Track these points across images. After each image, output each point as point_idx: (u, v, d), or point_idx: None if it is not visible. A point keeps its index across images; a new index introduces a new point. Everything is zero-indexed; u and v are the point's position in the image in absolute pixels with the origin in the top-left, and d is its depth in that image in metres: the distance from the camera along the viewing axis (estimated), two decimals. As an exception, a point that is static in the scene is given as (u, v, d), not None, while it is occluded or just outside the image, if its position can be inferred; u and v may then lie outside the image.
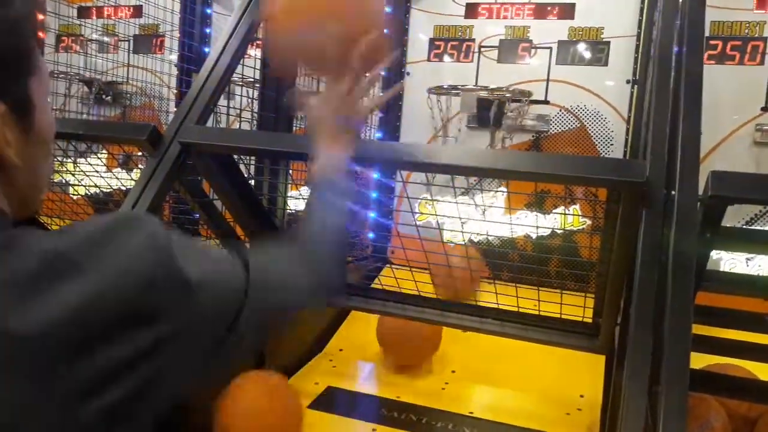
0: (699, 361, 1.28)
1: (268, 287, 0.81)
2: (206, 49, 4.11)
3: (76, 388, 0.54)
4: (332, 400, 2.42)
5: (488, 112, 3.58)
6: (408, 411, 2.38)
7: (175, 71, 4.31)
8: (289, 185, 2.64)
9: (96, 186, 3.49)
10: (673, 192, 1.47)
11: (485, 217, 2.59)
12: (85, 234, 0.60)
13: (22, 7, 0.64)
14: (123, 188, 3.60)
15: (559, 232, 3.62)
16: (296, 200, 3.45)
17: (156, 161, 1.94)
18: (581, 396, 2.59)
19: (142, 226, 0.62)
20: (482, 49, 3.86)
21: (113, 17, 4.67)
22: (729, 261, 3.29)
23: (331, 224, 1.07)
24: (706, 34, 2.85)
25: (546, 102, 3.68)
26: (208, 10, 4.22)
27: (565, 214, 3.62)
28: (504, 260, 3.47)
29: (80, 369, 0.54)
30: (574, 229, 3.63)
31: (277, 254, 0.92)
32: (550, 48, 3.74)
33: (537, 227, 3.54)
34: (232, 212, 2.23)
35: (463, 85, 3.60)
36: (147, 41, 4.61)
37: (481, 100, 3.56)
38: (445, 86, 3.65)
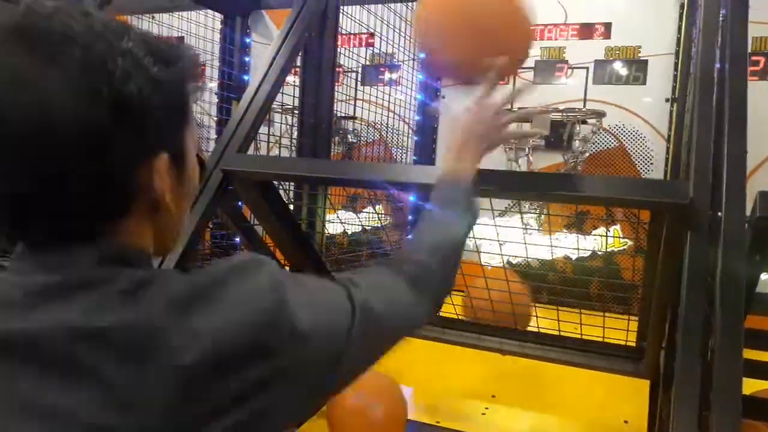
0: (747, 386, 1.23)
1: (381, 324, 0.83)
2: (245, 77, 4.22)
3: (197, 415, 0.58)
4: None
5: (560, 133, 3.54)
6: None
7: (215, 99, 4.43)
8: (327, 210, 2.67)
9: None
10: (719, 213, 1.44)
11: (524, 239, 2.57)
12: (216, 272, 0.65)
13: (186, 65, 0.69)
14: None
15: (599, 253, 3.56)
16: (334, 224, 3.48)
17: (199, 189, 1.99)
18: (625, 422, 2.52)
19: (262, 267, 0.66)
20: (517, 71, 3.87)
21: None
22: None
23: (445, 241, 1.05)
24: (748, 50, 2.80)
25: (584, 122, 3.65)
26: (248, 39, 4.34)
27: (606, 235, 3.56)
28: (544, 282, 3.43)
29: (202, 397, 0.58)
30: (616, 250, 3.57)
31: (391, 285, 0.91)
32: (587, 68, 3.72)
33: (578, 249, 3.49)
34: (273, 237, 2.26)
35: (535, 107, 3.59)
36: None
37: (554, 121, 3.53)
38: (515, 108, 3.64)
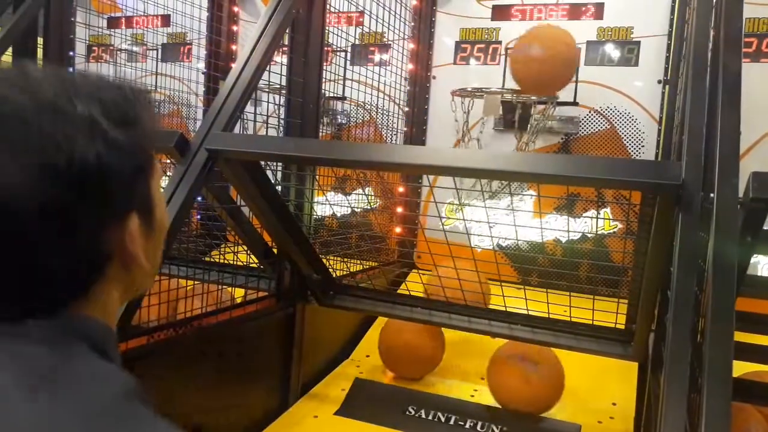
0: (737, 368, 1.23)
1: None
2: (233, 57, 4.15)
3: None
4: (359, 406, 2.40)
5: (513, 114, 3.53)
6: (437, 410, 2.35)
7: (202, 79, 4.35)
8: (316, 191, 2.64)
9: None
10: (711, 194, 1.42)
11: (514, 221, 2.55)
12: None
13: (146, 124, 0.67)
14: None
15: (590, 236, 3.56)
16: (323, 206, 3.45)
17: (184, 168, 1.95)
18: (613, 404, 2.53)
19: None
20: (509, 51, 3.82)
21: (142, 27, 4.74)
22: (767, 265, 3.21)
23: None
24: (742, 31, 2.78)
25: (575, 104, 3.62)
26: (235, 18, 4.27)
27: (596, 217, 3.56)
28: (533, 265, 3.42)
29: None
30: (606, 233, 3.56)
31: None
32: (579, 48, 3.68)
33: (567, 231, 3.48)
34: (260, 218, 2.23)
35: (487, 88, 3.56)
36: (175, 50, 4.66)
37: (505, 102, 3.52)
38: (468, 89, 3.61)
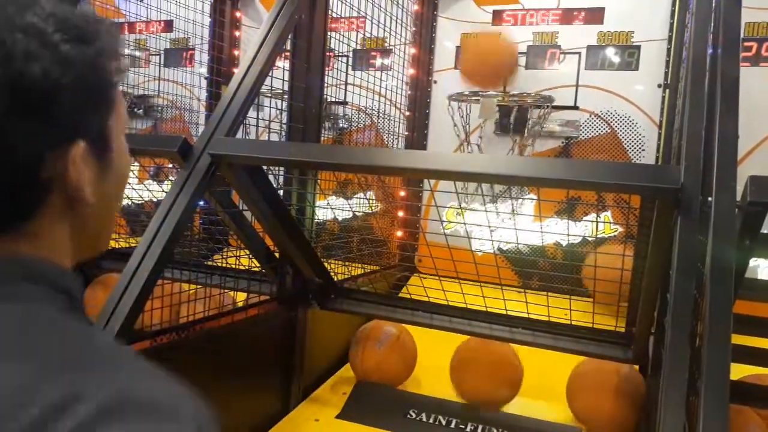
0: (735, 371, 1.24)
1: None
2: (236, 62, 4.17)
3: None
4: (360, 409, 2.41)
5: (509, 118, 3.56)
6: (438, 414, 2.36)
7: (205, 84, 4.38)
8: (317, 195, 2.65)
9: (128, 198, 3.55)
10: (709, 198, 1.44)
11: (515, 224, 2.56)
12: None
13: (105, 43, 0.63)
14: (154, 200, 3.67)
15: (590, 239, 3.57)
16: (324, 210, 3.46)
17: (186, 173, 1.97)
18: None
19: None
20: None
21: (144, 32, 4.77)
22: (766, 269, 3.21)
23: None
24: (741, 35, 2.80)
25: (575, 107, 3.64)
26: (238, 24, 4.30)
27: (596, 221, 3.56)
28: (534, 268, 3.43)
29: None
30: (606, 236, 3.57)
31: None
32: (579, 53, 3.70)
33: (568, 235, 3.49)
34: (262, 222, 2.25)
35: (482, 92, 3.58)
36: (177, 55, 4.69)
37: (502, 106, 3.54)
38: (466, 93, 3.63)
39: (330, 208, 3.56)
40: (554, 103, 3.58)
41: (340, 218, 3.84)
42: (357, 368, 2.69)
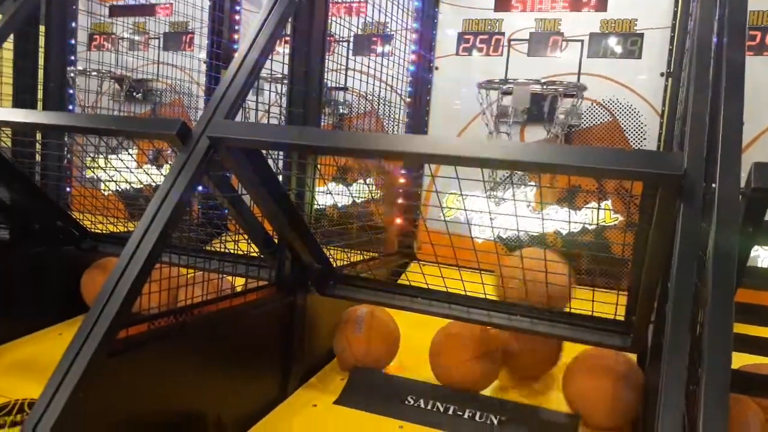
0: (735, 360, 1.23)
1: None
2: (235, 46, 4.14)
3: None
4: (358, 395, 2.40)
5: (539, 106, 3.51)
6: (436, 400, 2.35)
7: (204, 68, 4.35)
8: (317, 180, 2.63)
9: (127, 182, 3.53)
10: (713, 185, 1.42)
11: (515, 212, 2.54)
12: None
13: None
14: (153, 184, 3.65)
15: (590, 228, 3.56)
16: (324, 196, 3.45)
17: (185, 156, 1.95)
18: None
19: None
20: (512, 43, 3.81)
21: (144, 16, 4.73)
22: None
23: None
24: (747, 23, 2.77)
25: (579, 96, 3.62)
26: (237, 8, 4.25)
27: (597, 209, 3.55)
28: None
29: None
30: (606, 225, 3.56)
31: None
32: (582, 41, 3.67)
33: (568, 222, 3.48)
34: (261, 207, 2.23)
35: (515, 79, 3.52)
36: (177, 38, 4.65)
37: (533, 94, 3.48)
38: (496, 80, 3.57)
39: (330, 194, 3.55)
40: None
41: (339, 204, 3.82)
42: (342, 355, 2.69)
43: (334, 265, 2.67)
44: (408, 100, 4.00)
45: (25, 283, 2.78)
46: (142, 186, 3.62)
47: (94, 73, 4.33)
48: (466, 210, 2.29)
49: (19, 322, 2.71)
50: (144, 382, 1.78)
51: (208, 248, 3.15)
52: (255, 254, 2.65)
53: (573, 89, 3.44)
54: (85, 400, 1.52)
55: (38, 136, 3.21)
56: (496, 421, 2.26)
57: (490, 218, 2.50)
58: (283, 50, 2.64)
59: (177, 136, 1.95)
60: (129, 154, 3.76)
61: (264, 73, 2.38)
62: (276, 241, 2.49)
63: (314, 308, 2.62)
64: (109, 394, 1.64)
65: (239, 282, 2.55)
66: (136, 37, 4.61)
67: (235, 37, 4.27)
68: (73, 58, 3.81)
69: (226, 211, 2.77)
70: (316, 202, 2.67)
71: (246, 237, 2.53)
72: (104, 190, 3.79)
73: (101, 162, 3.69)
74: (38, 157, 3.22)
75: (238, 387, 2.20)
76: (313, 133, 1.98)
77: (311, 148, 1.98)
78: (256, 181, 2.10)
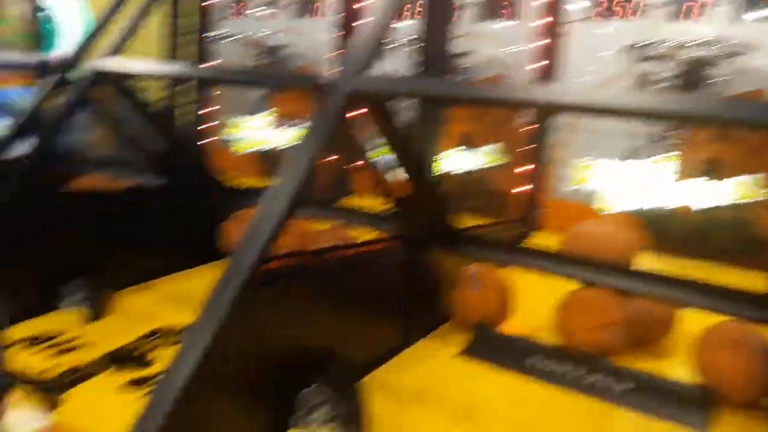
0: None
1: None
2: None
3: None
4: (482, 351, 2.41)
5: (695, 74, 3.29)
6: (563, 361, 2.32)
7: (330, 35, 4.44)
8: (447, 141, 2.65)
9: (262, 142, 3.74)
10: None
11: (654, 183, 2.40)
12: None
13: None
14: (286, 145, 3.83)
15: (734, 203, 3.29)
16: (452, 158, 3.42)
17: (322, 108, 2.02)
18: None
19: None
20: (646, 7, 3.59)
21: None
22: None
23: None
24: None
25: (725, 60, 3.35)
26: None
27: (743, 183, 3.28)
28: (669, 231, 3.24)
29: None
30: (753, 201, 3.29)
31: None
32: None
33: (711, 196, 3.23)
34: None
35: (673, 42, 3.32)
36: (305, 6, 4.77)
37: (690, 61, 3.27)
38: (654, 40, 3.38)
39: (457, 158, 3.55)
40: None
41: (465, 168, 3.80)
42: (461, 313, 2.68)
43: (460, 227, 2.68)
44: (537, 65, 3.89)
45: (172, 228, 3.03)
46: (275, 147, 3.81)
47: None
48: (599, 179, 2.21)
49: (169, 262, 2.97)
50: (280, 316, 1.89)
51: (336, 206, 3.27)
52: (381, 209, 2.72)
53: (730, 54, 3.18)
54: (231, 329, 1.63)
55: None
56: (622, 389, 2.19)
57: (625, 189, 2.38)
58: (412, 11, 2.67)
59: (316, 88, 2.03)
60: (264, 116, 3.96)
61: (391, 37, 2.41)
62: (403, 197, 2.54)
63: (437, 264, 2.66)
64: (251, 326, 1.76)
65: (366, 236, 2.64)
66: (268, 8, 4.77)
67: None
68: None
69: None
70: (444, 163, 2.69)
71: (374, 191, 2.61)
72: (239, 150, 4.02)
73: (236, 123, 3.93)
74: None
75: (364, 330, 2.28)
76: (451, 84, 1.99)
77: (449, 98, 1.99)
78: (389, 135, 2.15)
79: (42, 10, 3.51)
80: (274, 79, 2.26)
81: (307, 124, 2.03)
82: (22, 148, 2.60)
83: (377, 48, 2.19)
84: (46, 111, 2.74)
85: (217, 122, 3.82)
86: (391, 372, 2.26)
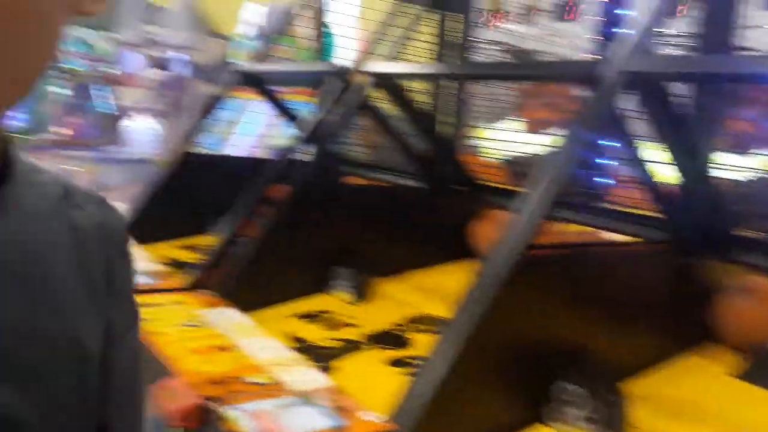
0: None
1: None
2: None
3: None
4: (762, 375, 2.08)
5: None
6: None
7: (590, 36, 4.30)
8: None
9: (512, 149, 3.74)
10: None
11: None
12: None
13: None
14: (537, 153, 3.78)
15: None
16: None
17: (594, 99, 1.93)
18: None
19: None
20: None
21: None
22: None
23: None
24: None
25: None
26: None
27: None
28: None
29: None
30: None
31: None
32: None
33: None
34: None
35: None
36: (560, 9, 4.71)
37: None
38: None
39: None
40: None
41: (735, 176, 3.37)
42: (732, 328, 2.32)
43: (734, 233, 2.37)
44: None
45: (428, 225, 3.17)
46: (526, 155, 3.78)
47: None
48: None
49: (422, 256, 3.12)
50: (538, 306, 1.85)
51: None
52: (645, 212, 2.53)
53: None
54: (490, 320, 1.65)
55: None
56: None
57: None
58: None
59: (588, 77, 1.95)
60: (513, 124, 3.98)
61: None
62: (673, 196, 2.32)
63: (707, 274, 2.38)
64: (510, 318, 1.75)
65: (627, 238, 2.47)
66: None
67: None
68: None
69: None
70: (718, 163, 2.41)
71: (636, 190, 2.43)
72: (488, 155, 4.08)
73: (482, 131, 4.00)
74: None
75: (620, 334, 2.12)
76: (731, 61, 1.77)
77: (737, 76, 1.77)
78: (665, 124, 1.99)
79: (326, 26, 3.97)
80: (541, 70, 2.25)
81: (585, 105, 1.96)
82: (308, 150, 2.95)
83: (651, 33, 2.05)
84: (328, 117, 3.07)
85: (469, 127, 3.95)
86: (652, 382, 2.08)
